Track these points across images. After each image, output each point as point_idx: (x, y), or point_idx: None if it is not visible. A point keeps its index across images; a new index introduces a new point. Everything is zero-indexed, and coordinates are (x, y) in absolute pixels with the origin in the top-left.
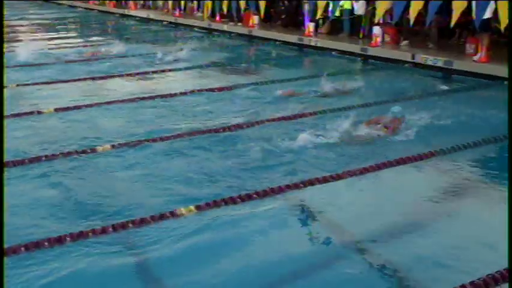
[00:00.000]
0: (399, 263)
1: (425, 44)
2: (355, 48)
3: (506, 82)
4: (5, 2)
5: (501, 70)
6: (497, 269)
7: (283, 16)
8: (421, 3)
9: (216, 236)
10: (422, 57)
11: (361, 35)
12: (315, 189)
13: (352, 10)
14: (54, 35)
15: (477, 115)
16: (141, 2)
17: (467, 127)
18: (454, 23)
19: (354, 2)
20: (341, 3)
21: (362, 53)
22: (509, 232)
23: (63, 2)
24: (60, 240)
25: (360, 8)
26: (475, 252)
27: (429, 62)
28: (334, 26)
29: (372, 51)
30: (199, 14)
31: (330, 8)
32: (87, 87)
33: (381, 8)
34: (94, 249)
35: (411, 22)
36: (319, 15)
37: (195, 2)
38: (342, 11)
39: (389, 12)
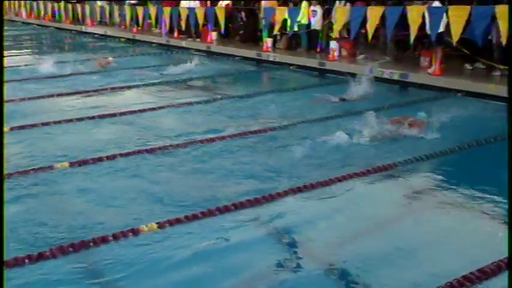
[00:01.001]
0: (357, 272)
1: (381, 57)
2: (312, 62)
3: (459, 94)
4: None
5: (454, 83)
6: (454, 276)
7: (241, 32)
8: (378, 18)
9: (179, 253)
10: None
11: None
12: (277, 202)
13: (308, 25)
14: (8, 52)
15: (432, 127)
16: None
17: (423, 139)
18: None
19: (310, 16)
20: (298, 18)
21: (320, 67)
22: (509, 231)
23: (16, 18)
24: (18, 263)
25: (316, 23)
26: (434, 257)
27: (385, 75)
28: (292, 41)
29: (329, 65)
30: (157, 30)
31: (288, 24)
32: (44, 105)
33: (339, 23)
34: (54, 270)
35: (369, 38)
36: (276, 30)
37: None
38: (299, 26)
39: (346, 26)
